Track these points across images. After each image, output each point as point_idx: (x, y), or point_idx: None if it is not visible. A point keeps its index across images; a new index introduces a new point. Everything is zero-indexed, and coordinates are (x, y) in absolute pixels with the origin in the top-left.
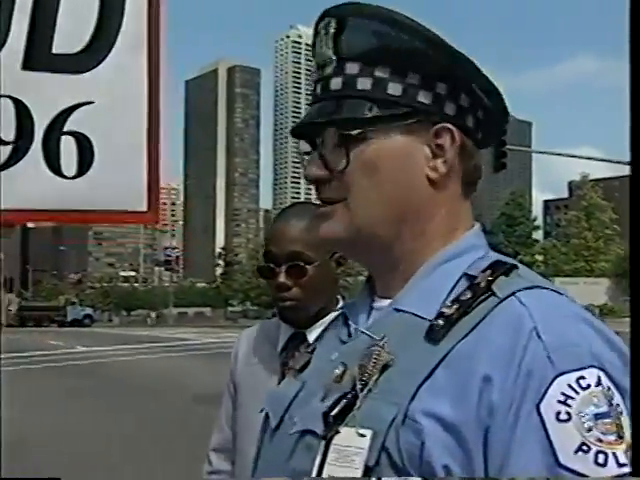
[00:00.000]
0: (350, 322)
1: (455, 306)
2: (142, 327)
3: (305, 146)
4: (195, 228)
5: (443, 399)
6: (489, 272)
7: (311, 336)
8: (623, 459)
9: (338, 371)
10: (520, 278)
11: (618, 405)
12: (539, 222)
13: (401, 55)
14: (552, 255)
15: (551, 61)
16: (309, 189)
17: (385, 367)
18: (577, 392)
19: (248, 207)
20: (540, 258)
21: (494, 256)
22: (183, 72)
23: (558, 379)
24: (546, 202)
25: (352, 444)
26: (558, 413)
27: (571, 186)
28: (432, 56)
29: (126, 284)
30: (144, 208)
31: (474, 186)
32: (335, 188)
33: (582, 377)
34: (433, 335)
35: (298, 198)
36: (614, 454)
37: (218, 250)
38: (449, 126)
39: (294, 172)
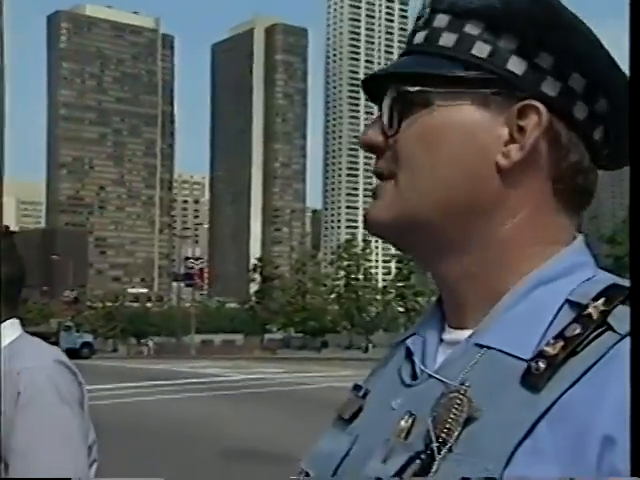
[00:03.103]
0: (415, 359)
1: (560, 344)
2: (157, 359)
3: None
4: (224, 233)
5: (547, 463)
6: (603, 300)
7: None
8: None
9: (405, 423)
10: None
11: None
12: None
13: (499, 11)
14: None
15: None
16: (368, 183)
17: (469, 420)
18: None
19: (291, 206)
20: None
21: (606, 278)
22: (209, 33)
23: None
24: None
25: None
26: None
27: None
28: (538, 18)
29: (136, 304)
30: None
31: (580, 197)
32: (387, 159)
33: None
34: (533, 381)
35: (355, 195)
36: None
37: (253, 261)
38: (536, 104)
39: (350, 162)
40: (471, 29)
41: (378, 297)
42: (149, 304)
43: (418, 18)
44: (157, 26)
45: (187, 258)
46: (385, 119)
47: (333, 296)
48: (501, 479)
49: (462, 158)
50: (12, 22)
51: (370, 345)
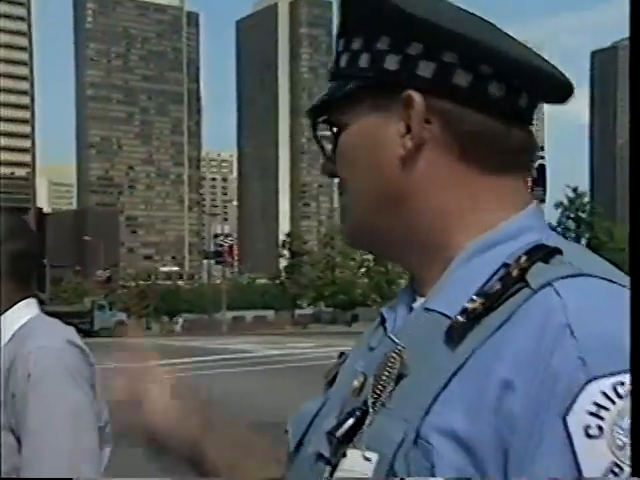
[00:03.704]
0: (386, 325)
1: (480, 300)
2: (187, 336)
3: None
4: (253, 210)
5: (457, 412)
6: (524, 259)
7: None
8: None
9: (357, 383)
10: (562, 264)
11: None
12: None
13: (370, 20)
14: None
15: None
16: None
17: (400, 377)
18: (613, 401)
19: (319, 181)
20: None
21: (547, 241)
22: (233, 9)
23: (590, 385)
24: None
25: (357, 469)
26: (587, 427)
27: None
28: (402, 13)
29: (168, 282)
30: None
31: (506, 158)
32: (339, 183)
33: (620, 383)
34: (453, 335)
35: None
36: None
37: (282, 237)
38: (410, 92)
39: None
40: (356, 44)
41: None
42: (181, 282)
43: None
44: (181, 3)
45: (216, 235)
46: (325, 150)
47: (363, 270)
48: (419, 429)
49: (370, 162)
50: (38, 4)
51: None
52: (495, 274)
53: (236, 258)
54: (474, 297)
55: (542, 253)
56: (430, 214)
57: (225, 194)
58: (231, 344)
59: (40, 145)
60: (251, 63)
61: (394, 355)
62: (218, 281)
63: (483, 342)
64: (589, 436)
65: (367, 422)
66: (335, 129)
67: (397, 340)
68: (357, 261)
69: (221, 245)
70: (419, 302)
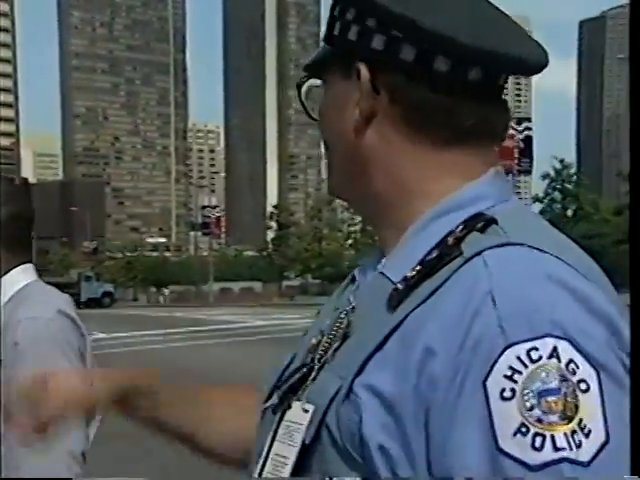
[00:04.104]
0: (355, 285)
1: (417, 268)
2: (176, 306)
3: None
4: (240, 181)
5: (386, 373)
6: (461, 227)
7: None
8: (561, 443)
9: (314, 340)
10: (496, 234)
11: (580, 382)
12: None
13: None
14: None
15: None
16: None
17: (345, 337)
18: (526, 365)
19: (307, 153)
20: None
21: (498, 210)
22: None
23: (507, 351)
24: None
25: (296, 420)
26: (503, 390)
27: None
28: None
29: (154, 253)
30: None
31: (457, 133)
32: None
33: (534, 348)
34: (392, 301)
35: None
36: (552, 437)
37: (269, 209)
38: (359, 64)
39: None
40: (337, 13)
41: None
42: (168, 253)
43: None
44: None
45: (204, 207)
46: (308, 107)
47: (349, 242)
48: (352, 385)
49: (334, 127)
50: None
51: None
52: (442, 241)
53: (223, 230)
54: (413, 265)
55: (479, 222)
56: (385, 182)
57: (212, 165)
58: (218, 315)
59: (24, 115)
60: (238, 33)
61: (342, 316)
62: (205, 253)
63: (415, 307)
64: (503, 398)
65: (311, 377)
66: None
67: (352, 301)
68: (344, 233)
69: (208, 217)
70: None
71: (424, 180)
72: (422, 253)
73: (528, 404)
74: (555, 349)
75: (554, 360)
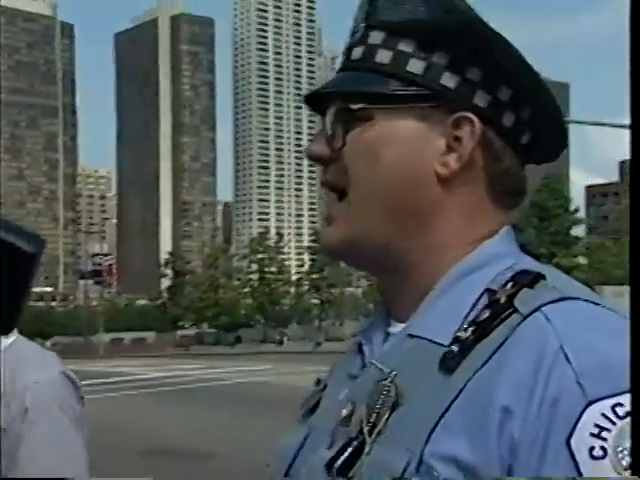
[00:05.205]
0: (365, 350)
1: (471, 328)
2: (63, 359)
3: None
4: (132, 228)
5: (460, 439)
6: (510, 285)
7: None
8: None
9: (345, 411)
10: (547, 289)
11: None
12: (581, 214)
13: (430, 29)
14: (599, 257)
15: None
16: (280, 175)
17: (395, 405)
18: (613, 422)
19: (202, 200)
20: (583, 261)
21: (526, 266)
22: (111, 22)
23: (590, 408)
24: (590, 188)
25: None
26: (592, 448)
27: (623, 167)
28: (466, 35)
29: (40, 303)
30: None
31: (512, 198)
32: (335, 171)
33: (619, 404)
34: (448, 364)
35: (266, 187)
36: None
37: (165, 256)
38: (470, 115)
39: (261, 154)
40: (405, 46)
41: (292, 289)
42: (54, 303)
43: (353, 33)
44: (54, 13)
45: (95, 254)
46: (329, 134)
47: (246, 290)
48: (421, 458)
49: (402, 169)
50: None
51: (285, 338)
52: (479, 299)
53: (115, 278)
54: (465, 326)
55: (527, 279)
56: (438, 239)
57: (103, 211)
58: (109, 367)
59: None
60: (130, 78)
61: (388, 383)
62: (95, 302)
63: (478, 369)
64: (594, 458)
65: (365, 451)
66: (346, 119)
67: (384, 367)
68: (241, 281)
69: (99, 264)
70: (397, 327)
71: (472, 241)
72: (461, 311)
73: (624, 462)
74: None
75: None
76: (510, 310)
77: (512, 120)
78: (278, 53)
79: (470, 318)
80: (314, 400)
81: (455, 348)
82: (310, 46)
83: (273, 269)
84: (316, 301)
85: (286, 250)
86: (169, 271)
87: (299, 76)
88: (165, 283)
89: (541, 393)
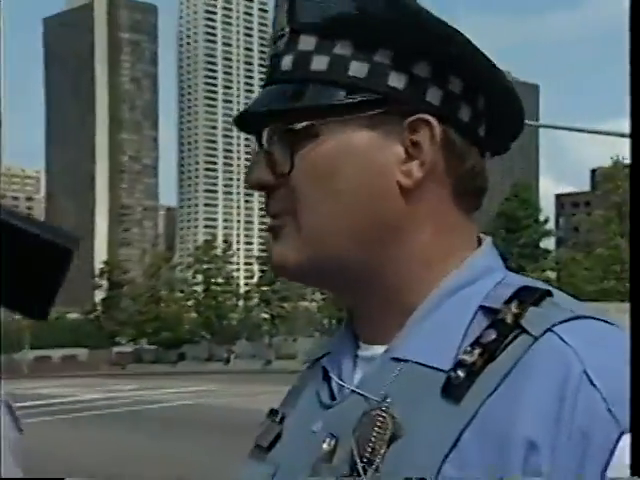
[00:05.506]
0: (333, 377)
1: (477, 351)
2: None
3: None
4: None
5: (476, 471)
6: (515, 303)
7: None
8: None
9: (327, 446)
10: (556, 308)
11: None
12: (551, 225)
13: (366, 26)
14: (570, 271)
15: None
16: (228, 179)
17: (394, 438)
18: None
19: (142, 204)
20: (552, 275)
21: (517, 280)
22: (40, 5)
23: (625, 437)
24: (560, 197)
25: None
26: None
27: (595, 175)
28: (406, 27)
29: None
30: None
31: (477, 198)
32: (282, 198)
33: None
34: (453, 391)
35: (214, 191)
36: None
37: (99, 266)
38: (427, 117)
39: (207, 155)
40: (342, 49)
41: (240, 303)
42: None
43: (276, 39)
44: None
45: None
46: (275, 157)
47: (190, 303)
48: None
49: (360, 185)
50: None
51: (232, 356)
52: (474, 318)
53: None
54: (469, 348)
55: (532, 296)
56: (410, 251)
57: (30, 214)
58: (34, 388)
59: None
60: (62, 67)
61: (382, 414)
62: (18, 316)
63: (490, 395)
64: None
65: None
66: (289, 137)
67: (371, 396)
68: (185, 293)
69: None
70: (369, 350)
71: (446, 251)
72: (457, 331)
73: None
74: None
75: None
76: (517, 331)
77: (469, 114)
78: (227, 44)
79: (470, 339)
80: (273, 433)
81: (461, 373)
82: (262, 38)
83: (220, 280)
84: (266, 316)
85: (234, 260)
86: (104, 282)
87: (250, 70)
88: (100, 295)
89: (569, 421)
